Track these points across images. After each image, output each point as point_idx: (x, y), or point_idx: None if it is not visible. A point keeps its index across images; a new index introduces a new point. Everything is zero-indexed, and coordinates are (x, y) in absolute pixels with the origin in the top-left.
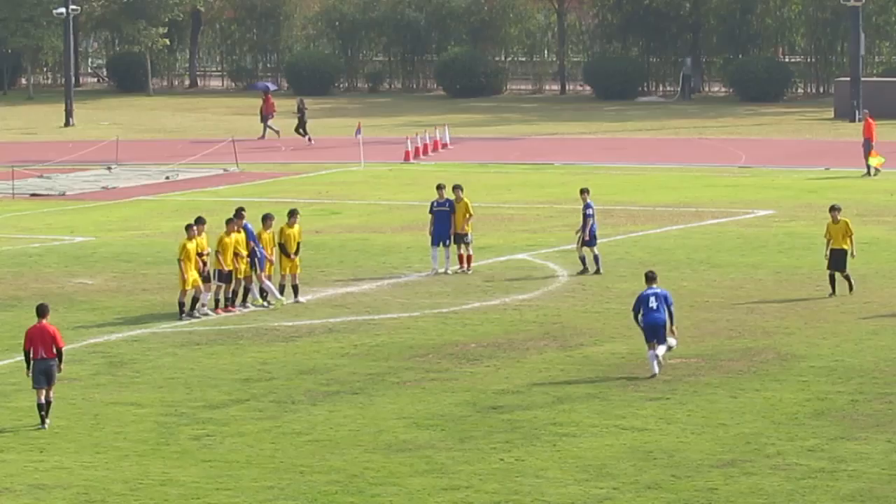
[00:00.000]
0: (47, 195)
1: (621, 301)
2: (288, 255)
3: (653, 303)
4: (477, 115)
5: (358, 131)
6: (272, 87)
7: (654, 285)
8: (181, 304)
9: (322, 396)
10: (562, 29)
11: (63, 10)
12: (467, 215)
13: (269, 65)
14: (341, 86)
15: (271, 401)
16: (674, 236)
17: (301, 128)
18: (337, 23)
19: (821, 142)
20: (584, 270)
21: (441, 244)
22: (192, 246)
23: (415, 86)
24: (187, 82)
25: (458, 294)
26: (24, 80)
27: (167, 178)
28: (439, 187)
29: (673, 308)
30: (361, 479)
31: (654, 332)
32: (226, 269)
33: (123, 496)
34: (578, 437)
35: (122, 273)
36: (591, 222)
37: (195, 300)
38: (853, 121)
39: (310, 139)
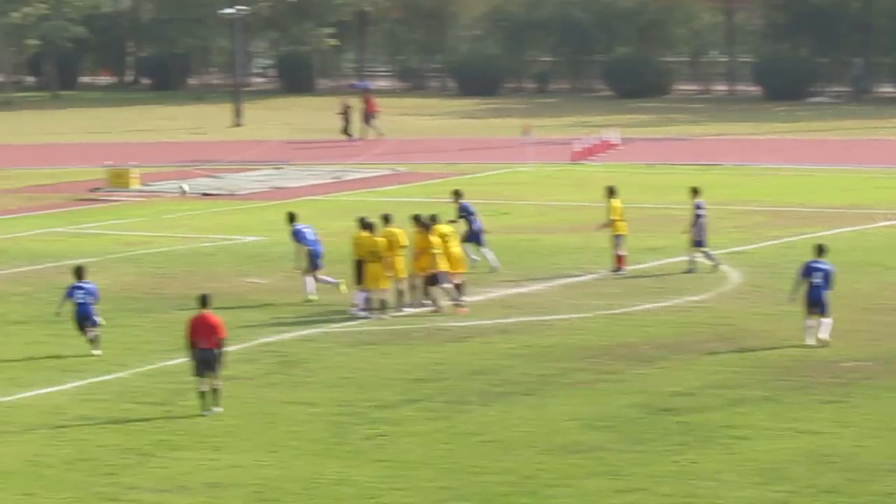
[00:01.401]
0: (218, 195)
1: (795, 303)
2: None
3: (818, 278)
4: (644, 116)
5: (527, 132)
6: (371, 86)
7: (823, 259)
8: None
9: (494, 397)
10: (730, 28)
11: (231, 10)
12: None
13: (435, 65)
14: (508, 86)
15: (444, 401)
16: (846, 238)
17: (346, 130)
18: (503, 23)
19: None
20: (714, 264)
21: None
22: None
23: (582, 86)
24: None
25: (629, 295)
26: (193, 81)
27: (336, 177)
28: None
29: (832, 282)
30: (535, 480)
31: (815, 304)
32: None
33: (298, 495)
34: (753, 439)
35: (294, 272)
36: (701, 222)
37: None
38: None
39: (350, 137)
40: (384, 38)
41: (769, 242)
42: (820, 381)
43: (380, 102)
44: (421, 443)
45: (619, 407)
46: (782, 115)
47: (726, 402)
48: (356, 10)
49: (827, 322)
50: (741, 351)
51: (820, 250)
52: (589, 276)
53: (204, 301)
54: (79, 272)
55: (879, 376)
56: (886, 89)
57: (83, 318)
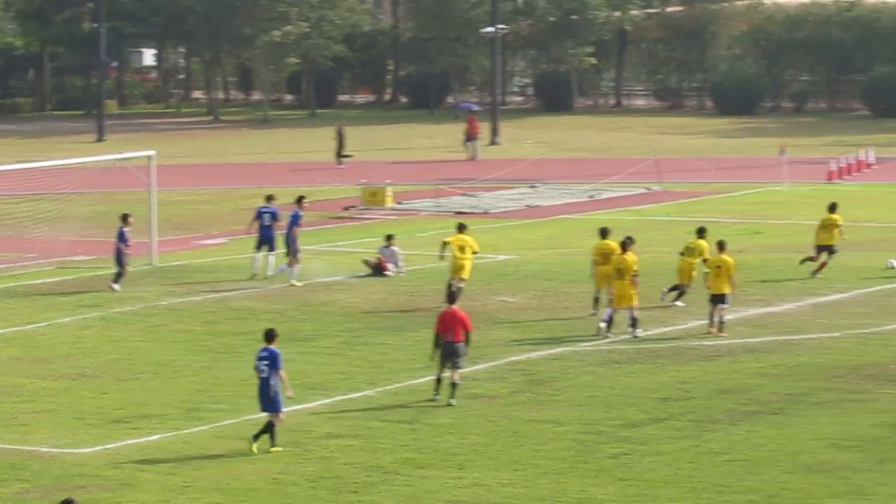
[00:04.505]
0: (471, 213)
1: None
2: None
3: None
4: None
5: (782, 152)
6: (475, 108)
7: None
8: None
9: (741, 416)
10: None
11: (491, 29)
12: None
13: (693, 84)
14: (766, 105)
15: (690, 420)
16: None
17: (339, 153)
18: (762, 42)
19: None
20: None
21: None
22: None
23: (840, 106)
24: (612, 101)
25: (881, 315)
26: (450, 99)
27: (590, 196)
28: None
29: None
30: (779, 499)
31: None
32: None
33: None
34: None
35: (544, 291)
36: None
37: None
38: None
39: (340, 162)
40: (643, 57)
41: None
42: None
43: (637, 121)
44: (666, 462)
45: (866, 426)
46: None
47: None
48: (616, 29)
49: None
50: None
51: None
52: (839, 296)
53: (452, 297)
54: (268, 198)
55: None
56: None
57: (266, 241)
